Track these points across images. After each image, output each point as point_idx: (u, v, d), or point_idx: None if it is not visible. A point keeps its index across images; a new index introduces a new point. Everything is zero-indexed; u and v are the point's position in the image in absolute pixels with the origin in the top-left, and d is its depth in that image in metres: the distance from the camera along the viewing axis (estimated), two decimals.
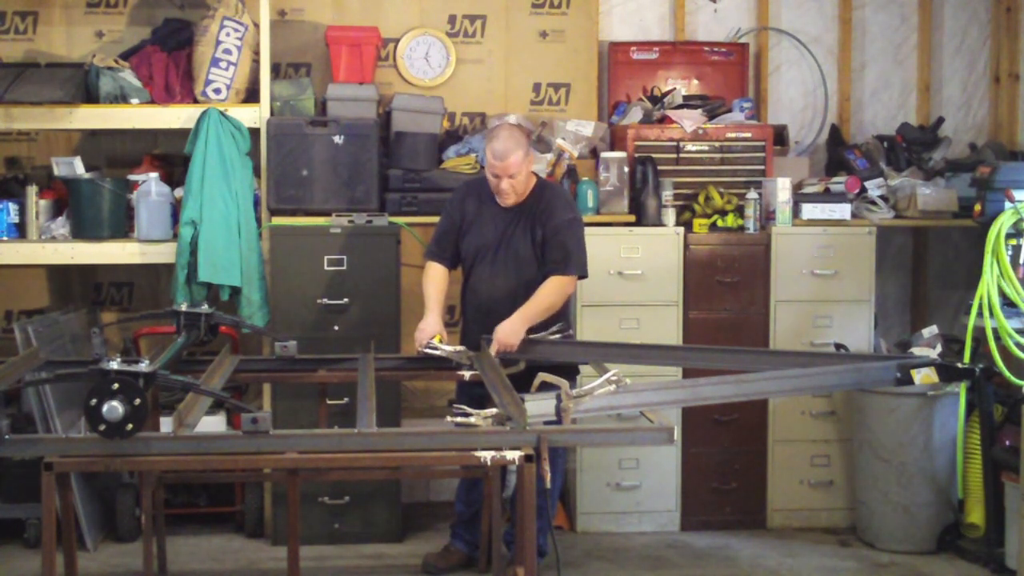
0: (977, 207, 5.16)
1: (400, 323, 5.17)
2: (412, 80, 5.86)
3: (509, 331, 4.40)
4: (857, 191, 5.60)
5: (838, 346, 5.25)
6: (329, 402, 4.80)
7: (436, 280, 4.67)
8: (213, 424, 5.12)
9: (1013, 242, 4.96)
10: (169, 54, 5.35)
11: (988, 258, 4.90)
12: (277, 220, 5.21)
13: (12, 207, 5.26)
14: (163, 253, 5.19)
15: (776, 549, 5.16)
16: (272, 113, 5.29)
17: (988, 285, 4.89)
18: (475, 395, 4.41)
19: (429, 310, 4.57)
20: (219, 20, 5.27)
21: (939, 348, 5.11)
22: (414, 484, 5.69)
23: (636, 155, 5.47)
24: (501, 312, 4.52)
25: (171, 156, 5.57)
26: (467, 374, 4.39)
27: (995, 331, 4.86)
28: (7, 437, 3.37)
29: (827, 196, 5.54)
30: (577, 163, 5.50)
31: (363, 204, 5.21)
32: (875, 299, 5.44)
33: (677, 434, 3.99)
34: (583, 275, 4.65)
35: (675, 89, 5.86)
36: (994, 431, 4.90)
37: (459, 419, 3.45)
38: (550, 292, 4.52)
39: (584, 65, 5.94)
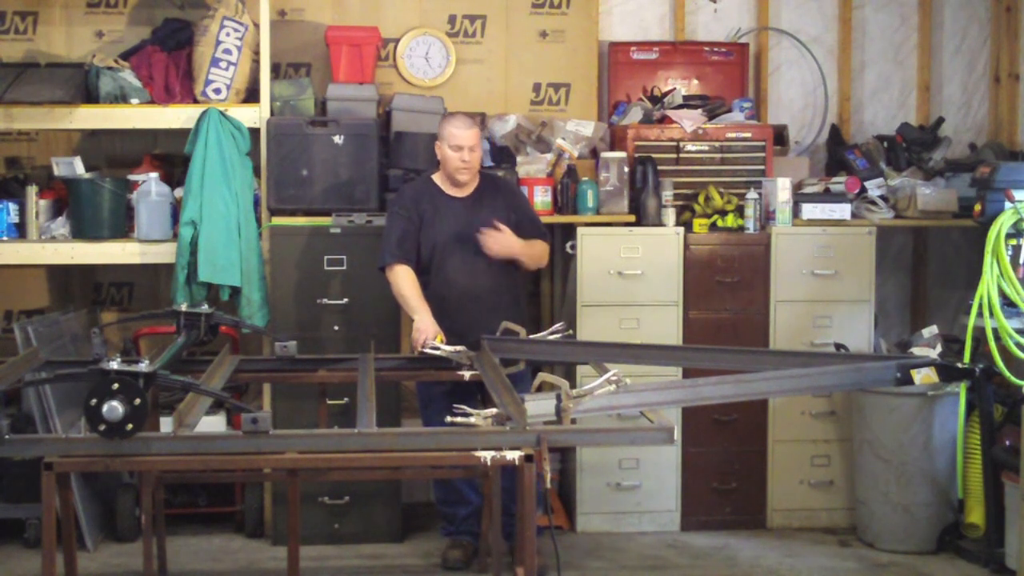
0: (977, 207, 5.16)
1: (400, 323, 5.17)
2: (412, 80, 5.86)
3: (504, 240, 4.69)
4: (857, 191, 5.59)
5: (838, 346, 5.25)
6: (329, 402, 4.80)
7: (412, 282, 4.67)
8: (213, 424, 5.11)
9: (1013, 242, 4.95)
10: (169, 54, 5.35)
11: (988, 258, 4.90)
12: (277, 220, 5.20)
13: (12, 207, 5.26)
14: (163, 253, 5.19)
15: (776, 549, 5.16)
16: (272, 113, 5.28)
17: (988, 285, 4.89)
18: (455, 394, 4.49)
19: (417, 310, 4.57)
20: (219, 20, 5.27)
21: (939, 348, 5.11)
22: (414, 484, 5.68)
23: (636, 155, 5.46)
24: (485, 296, 4.69)
25: (171, 156, 5.57)
26: (467, 374, 4.40)
27: (995, 331, 4.86)
28: (7, 437, 3.36)
29: (827, 196, 5.53)
30: (577, 163, 5.50)
31: (363, 204, 5.20)
32: (875, 299, 5.44)
33: (677, 434, 3.98)
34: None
35: (675, 89, 5.85)
36: (994, 431, 4.90)
37: (459, 419, 3.45)
38: (537, 245, 4.83)
39: (584, 65, 5.94)
